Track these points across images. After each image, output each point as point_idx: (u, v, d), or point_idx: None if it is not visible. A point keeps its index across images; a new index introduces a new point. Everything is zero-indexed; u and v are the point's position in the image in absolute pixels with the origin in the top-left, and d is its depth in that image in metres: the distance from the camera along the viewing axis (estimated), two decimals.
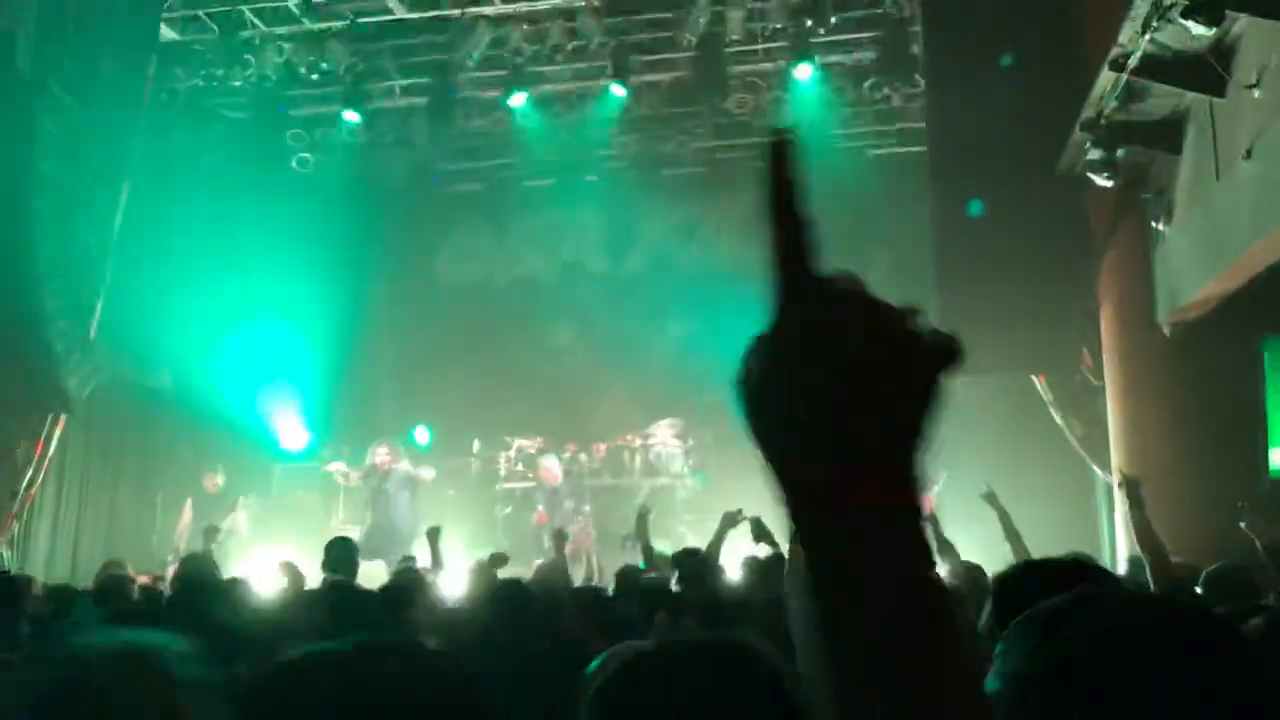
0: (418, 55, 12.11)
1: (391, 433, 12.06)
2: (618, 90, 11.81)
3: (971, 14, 9.32)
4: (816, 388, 0.65)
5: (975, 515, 9.88)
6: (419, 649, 1.10)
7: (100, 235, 9.39)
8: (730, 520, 6.85)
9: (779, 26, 10.74)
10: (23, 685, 1.20)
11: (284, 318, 13.25)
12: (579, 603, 4.57)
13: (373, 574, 7.95)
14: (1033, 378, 9.63)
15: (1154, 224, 8.27)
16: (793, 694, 1.34)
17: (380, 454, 10.97)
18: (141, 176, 10.25)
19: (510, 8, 10.91)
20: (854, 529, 0.65)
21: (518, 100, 11.90)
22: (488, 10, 10.95)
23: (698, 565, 5.65)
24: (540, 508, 11.04)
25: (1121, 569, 7.97)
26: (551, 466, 11.17)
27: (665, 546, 8.97)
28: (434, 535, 7.22)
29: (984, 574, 5.73)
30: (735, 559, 6.80)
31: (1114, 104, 7.44)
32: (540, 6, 10.92)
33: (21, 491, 9.18)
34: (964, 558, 7.33)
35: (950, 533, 10.14)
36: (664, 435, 12.00)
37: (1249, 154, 6.20)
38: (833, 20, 10.65)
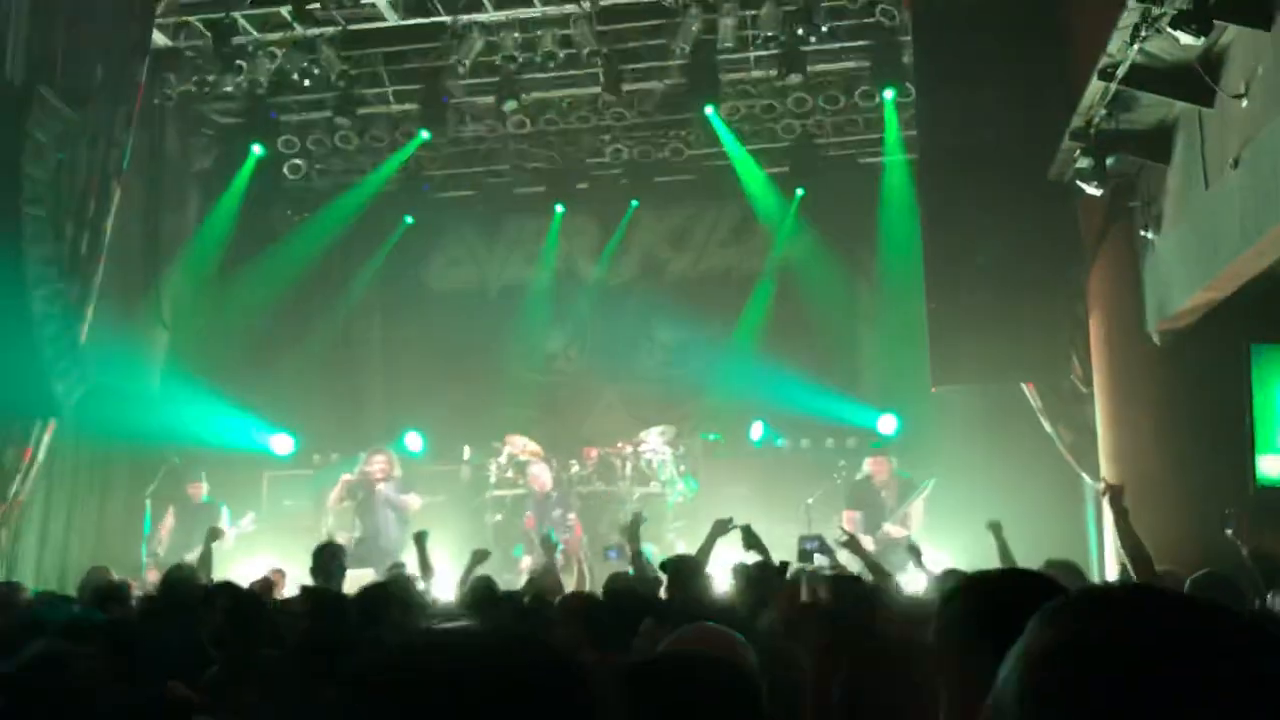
0: (410, 62, 12.13)
1: (382, 439, 12.06)
2: (608, 97, 11.85)
3: (962, 23, 9.37)
4: None
5: (962, 522, 9.93)
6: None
7: (91, 241, 9.37)
8: (721, 528, 6.86)
9: (770, 35, 10.76)
10: None
11: (276, 322, 13.25)
12: (567, 609, 4.57)
13: (363, 582, 7.93)
14: (1022, 385, 9.65)
15: (1143, 232, 8.31)
16: (761, 705, 1.35)
17: (378, 462, 10.93)
18: (132, 182, 10.24)
19: (503, 15, 10.92)
20: None
21: (510, 107, 11.93)
22: (480, 17, 10.96)
23: (686, 572, 5.66)
24: (529, 514, 11.03)
25: (1111, 575, 8.00)
26: (541, 474, 11.16)
27: (655, 553, 8.99)
28: (420, 540, 7.23)
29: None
30: (724, 566, 6.81)
31: (1103, 113, 7.47)
32: (533, 14, 10.94)
33: (9, 498, 9.13)
34: (949, 564, 7.36)
35: (937, 538, 10.22)
36: (655, 442, 12.01)
37: (1237, 163, 6.23)
38: (824, 29, 10.68)
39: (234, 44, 10.99)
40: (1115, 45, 6.58)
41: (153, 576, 9.35)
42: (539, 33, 11.04)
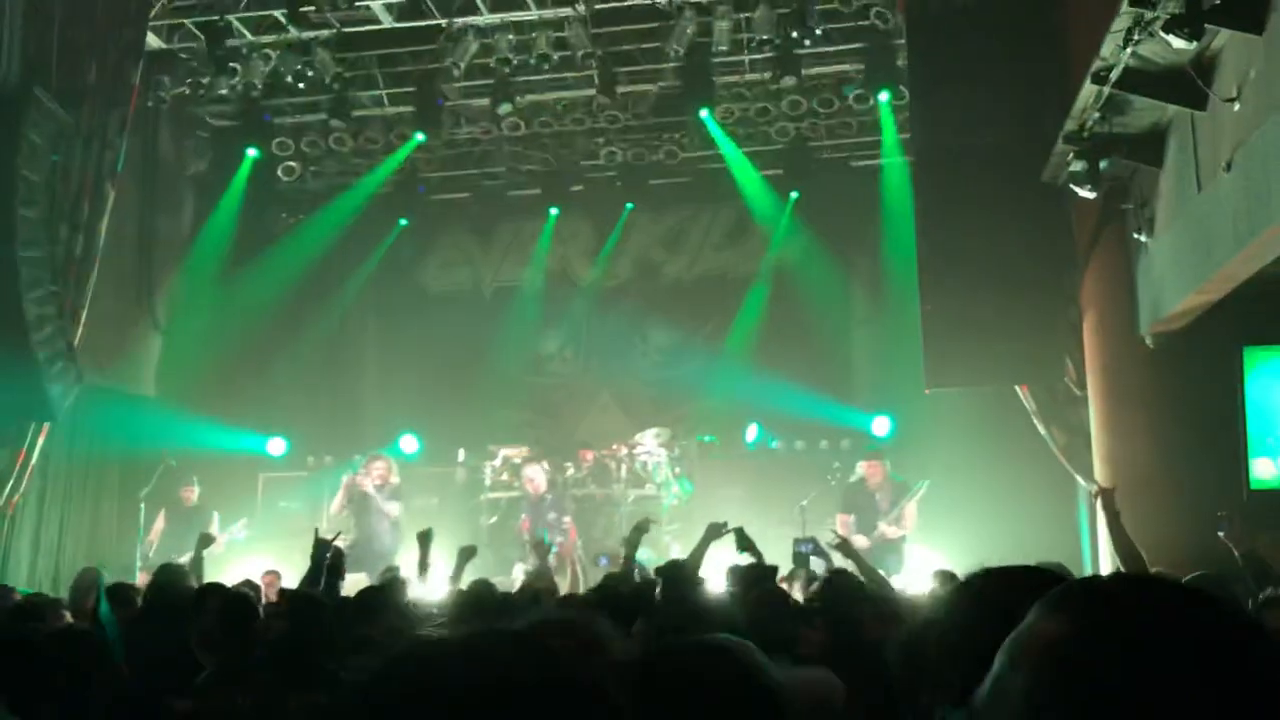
0: (405, 64, 12.14)
1: (377, 441, 12.06)
2: (602, 100, 11.87)
3: (955, 26, 9.39)
4: None
5: (957, 524, 9.95)
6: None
7: (85, 243, 9.36)
8: (715, 531, 6.85)
9: (765, 38, 10.77)
10: None
11: (270, 325, 13.23)
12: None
13: (357, 586, 7.92)
14: (1016, 387, 9.67)
15: (1136, 235, 8.34)
16: (778, 696, 1.38)
17: (376, 468, 10.91)
18: (127, 184, 10.23)
19: (497, 17, 10.93)
20: None
21: (505, 109, 11.94)
22: (475, 20, 10.97)
23: (678, 576, 5.66)
24: (524, 516, 11.02)
25: None
26: (536, 476, 11.16)
27: (651, 555, 8.99)
28: (424, 539, 7.09)
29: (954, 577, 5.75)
30: (718, 568, 6.81)
31: (1096, 116, 7.49)
32: (527, 16, 10.94)
33: (3, 500, 9.13)
34: (942, 565, 7.37)
35: (932, 540, 10.23)
36: (650, 444, 12.00)
37: (1229, 166, 6.25)
38: (818, 32, 10.71)
39: (228, 46, 10.99)
40: (1108, 49, 6.61)
41: (144, 579, 9.33)
42: (534, 35, 11.04)
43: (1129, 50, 6.47)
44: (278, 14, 10.81)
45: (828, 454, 11.87)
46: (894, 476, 10.28)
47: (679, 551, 9.70)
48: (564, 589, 7.74)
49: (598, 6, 10.84)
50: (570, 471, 11.95)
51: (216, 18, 10.77)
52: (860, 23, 11.00)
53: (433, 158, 13.77)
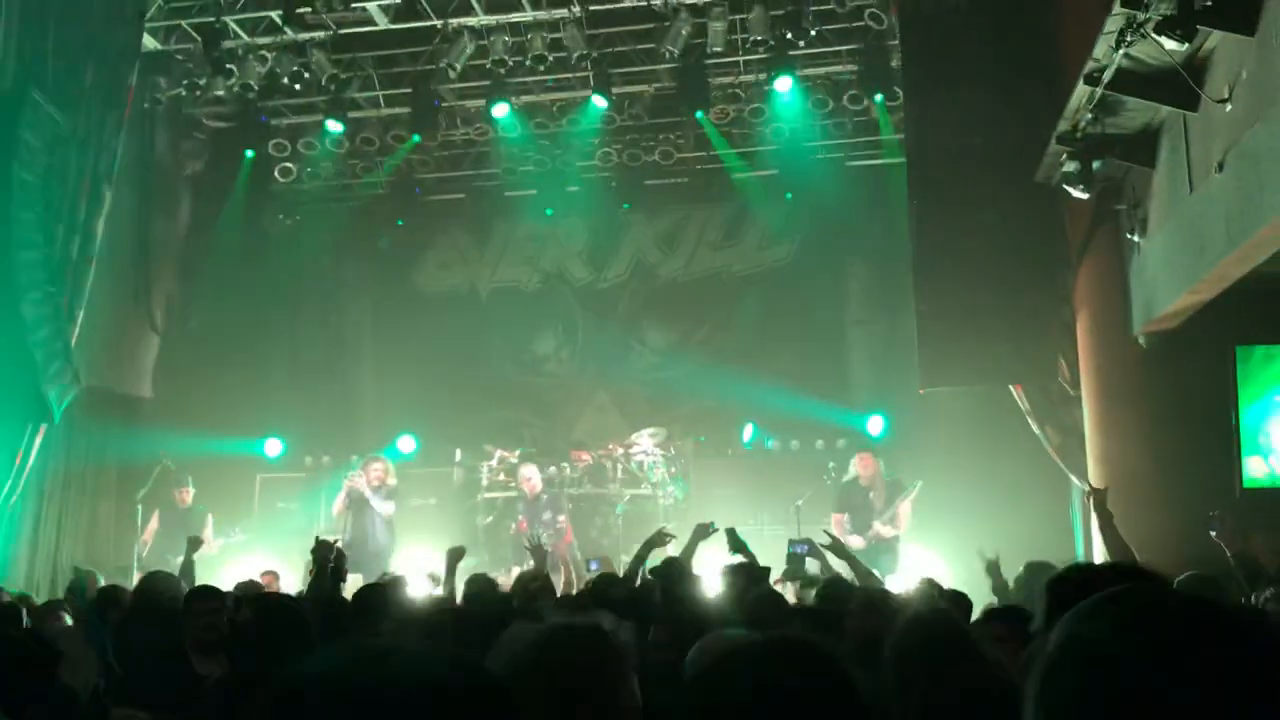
0: (400, 65, 12.15)
1: (373, 442, 12.07)
2: (599, 101, 11.89)
3: (950, 27, 9.42)
4: None
5: (951, 524, 9.97)
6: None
7: (81, 245, 9.37)
8: (702, 532, 6.86)
9: (760, 39, 10.80)
10: None
11: (267, 325, 13.25)
12: (554, 611, 4.60)
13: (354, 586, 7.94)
14: (1010, 387, 9.69)
15: (1129, 235, 8.36)
16: (860, 693, 1.44)
17: (374, 470, 10.90)
18: (123, 185, 10.24)
19: (493, 19, 10.95)
20: None
21: (500, 110, 11.96)
22: (470, 21, 10.99)
23: (675, 575, 5.69)
24: (521, 516, 11.04)
25: None
26: (531, 476, 11.17)
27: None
28: (453, 557, 6.82)
29: (938, 587, 5.77)
30: (710, 568, 6.84)
31: (1089, 117, 7.52)
32: (523, 18, 10.97)
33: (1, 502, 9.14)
34: (935, 568, 7.40)
35: (927, 540, 10.26)
36: (646, 444, 12.02)
37: (1221, 166, 6.28)
38: (813, 33, 10.74)
39: (224, 48, 11.00)
40: (1101, 50, 6.63)
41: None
42: (529, 36, 11.07)
43: (1121, 51, 6.49)
44: (274, 15, 10.83)
45: (823, 454, 11.89)
46: (887, 476, 10.30)
47: (675, 552, 9.71)
48: (559, 589, 7.75)
49: (593, 8, 10.87)
50: (566, 471, 11.97)
51: (213, 19, 10.78)
52: (854, 24, 11.04)
53: (428, 159, 13.78)
